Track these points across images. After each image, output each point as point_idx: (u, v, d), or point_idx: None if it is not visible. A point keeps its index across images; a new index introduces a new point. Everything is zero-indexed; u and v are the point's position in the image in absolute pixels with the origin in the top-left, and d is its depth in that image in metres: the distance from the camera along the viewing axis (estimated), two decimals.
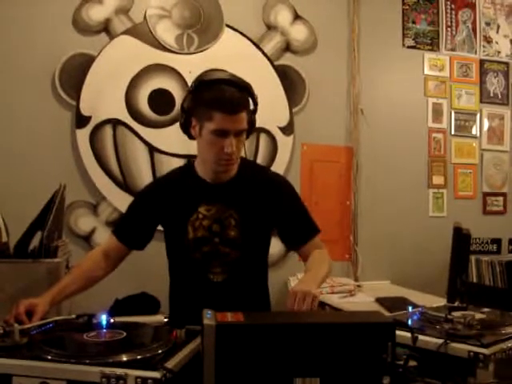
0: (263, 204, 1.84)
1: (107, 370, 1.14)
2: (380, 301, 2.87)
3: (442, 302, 1.98)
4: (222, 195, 1.81)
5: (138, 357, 1.21)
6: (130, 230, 1.89)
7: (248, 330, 1.08)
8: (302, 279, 1.64)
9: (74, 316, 1.56)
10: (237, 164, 1.82)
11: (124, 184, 3.18)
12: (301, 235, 1.87)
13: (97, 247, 1.98)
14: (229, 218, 1.80)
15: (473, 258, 3.67)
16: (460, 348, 1.33)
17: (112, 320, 1.51)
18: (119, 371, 1.13)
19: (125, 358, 1.20)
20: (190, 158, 1.90)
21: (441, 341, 1.35)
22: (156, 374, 1.12)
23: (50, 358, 1.21)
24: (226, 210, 1.81)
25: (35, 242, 2.05)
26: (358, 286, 3.38)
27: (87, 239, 3.14)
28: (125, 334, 1.38)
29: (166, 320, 1.63)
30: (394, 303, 2.67)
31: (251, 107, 1.80)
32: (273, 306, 2.03)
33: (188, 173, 1.88)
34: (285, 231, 1.89)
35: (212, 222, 1.80)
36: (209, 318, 1.07)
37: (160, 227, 1.94)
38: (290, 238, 1.90)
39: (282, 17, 3.54)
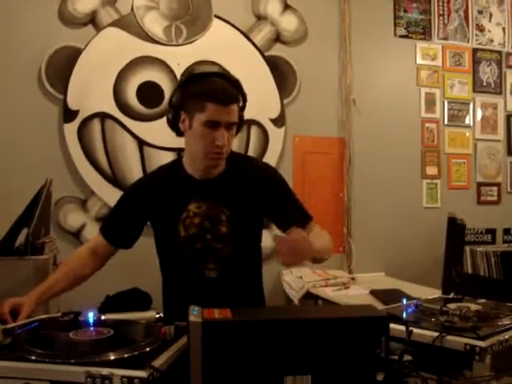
0: (253, 197, 1.82)
1: (92, 369, 1.10)
2: (374, 293, 2.85)
3: (437, 293, 1.95)
4: (212, 191, 1.79)
5: (125, 355, 1.17)
6: (117, 230, 1.87)
7: (235, 326, 1.05)
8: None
9: (59, 314, 1.52)
10: (225, 158, 1.78)
11: (113, 178, 3.14)
12: (296, 220, 1.81)
13: (84, 244, 1.94)
14: (220, 214, 1.78)
15: (467, 248, 3.65)
16: (456, 341, 1.30)
17: (102, 317, 1.47)
18: (105, 371, 1.10)
19: (111, 357, 1.16)
20: (179, 154, 1.86)
21: (436, 334, 1.32)
22: (142, 374, 1.09)
23: (33, 358, 1.17)
24: (216, 207, 1.78)
25: (21, 239, 2.01)
26: (352, 278, 3.36)
27: (77, 235, 3.09)
28: (112, 331, 1.34)
29: (157, 316, 1.59)
30: (389, 295, 2.65)
31: (241, 103, 1.77)
32: (267, 300, 2.00)
33: (175, 170, 1.84)
34: (280, 219, 1.86)
35: (203, 219, 1.77)
36: (195, 314, 1.04)
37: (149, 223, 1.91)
38: (286, 224, 1.84)
39: (272, 7, 3.49)
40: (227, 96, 1.67)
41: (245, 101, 1.79)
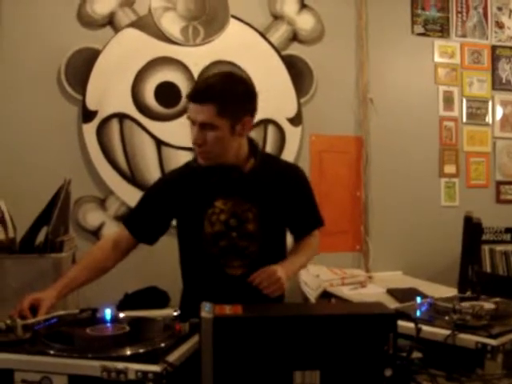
0: (280, 196, 1.83)
1: (108, 363, 1.14)
2: (391, 292, 2.85)
3: (454, 292, 1.95)
4: (239, 189, 1.79)
5: (140, 350, 1.20)
6: (141, 223, 1.86)
7: (246, 322, 1.06)
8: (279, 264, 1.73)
9: (77, 311, 1.55)
10: (214, 157, 1.76)
11: (132, 178, 3.17)
12: (306, 228, 1.92)
13: (107, 236, 1.94)
14: (246, 212, 1.78)
15: (486, 247, 3.62)
16: (468, 339, 1.31)
17: (119, 314, 1.50)
18: (120, 365, 1.13)
19: (127, 352, 1.19)
20: None
21: (448, 332, 1.33)
22: (156, 368, 1.12)
23: (52, 352, 1.21)
24: (243, 204, 1.78)
25: (41, 237, 2.05)
26: (370, 277, 3.35)
27: (96, 234, 3.13)
28: (128, 328, 1.37)
29: (175, 314, 1.61)
30: (405, 294, 2.64)
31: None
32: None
33: (202, 166, 1.81)
34: (294, 223, 1.90)
35: (229, 217, 1.77)
36: (207, 310, 1.06)
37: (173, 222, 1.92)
38: (297, 229, 1.92)
39: (289, 6, 3.50)
40: (201, 95, 1.67)
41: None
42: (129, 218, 1.92)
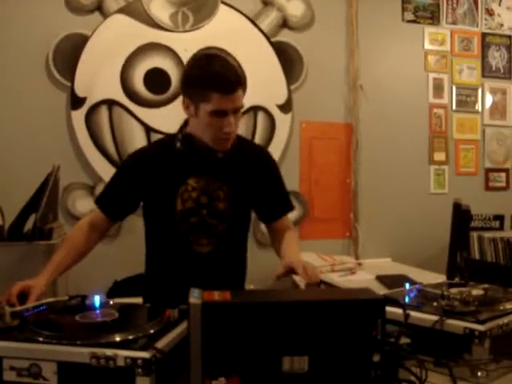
0: (251, 177, 1.86)
1: (97, 350, 1.14)
2: (380, 279, 2.86)
3: (443, 278, 1.97)
4: (212, 168, 1.80)
5: (130, 337, 1.20)
6: (115, 203, 1.85)
7: (235, 308, 1.06)
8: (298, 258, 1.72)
9: (66, 298, 1.55)
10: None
11: None
12: (276, 211, 1.94)
13: (83, 218, 1.92)
14: (217, 191, 1.80)
15: (475, 234, 3.64)
16: (456, 324, 1.32)
17: (108, 301, 1.50)
18: (109, 352, 1.13)
19: (116, 339, 1.19)
20: (181, 129, 1.83)
21: (436, 317, 1.34)
22: (145, 354, 1.12)
23: (40, 339, 1.20)
24: (215, 183, 1.80)
25: (29, 224, 2.04)
26: (359, 263, 3.37)
27: None
28: (117, 314, 1.37)
29: None
30: (395, 281, 2.66)
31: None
32: (274, 285, 2.03)
33: (175, 145, 1.80)
34: (262, 206, 1.93)
35: (200, 194, 1.79)
36: (195, 296, 1.06)
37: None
38: (266, 213, 1.95)
39: None
40: (231, 83, 1.65)
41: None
42: (101, 198, 1.89)
